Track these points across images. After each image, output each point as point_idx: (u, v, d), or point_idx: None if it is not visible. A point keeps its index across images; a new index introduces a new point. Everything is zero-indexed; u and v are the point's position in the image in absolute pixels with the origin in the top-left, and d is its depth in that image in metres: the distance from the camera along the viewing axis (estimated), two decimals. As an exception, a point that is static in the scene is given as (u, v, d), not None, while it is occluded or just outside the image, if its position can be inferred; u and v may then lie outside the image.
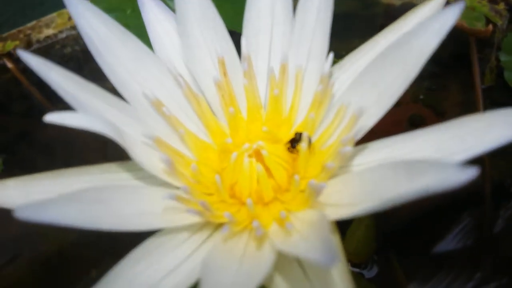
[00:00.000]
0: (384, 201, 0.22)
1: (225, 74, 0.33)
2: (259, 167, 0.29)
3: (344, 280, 0.24)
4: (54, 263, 0.48)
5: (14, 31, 0.81)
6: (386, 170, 0.23)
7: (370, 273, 0.46)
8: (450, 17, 0.24)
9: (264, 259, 0.24)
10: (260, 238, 0.27)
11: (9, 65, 0.73)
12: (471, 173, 0.18)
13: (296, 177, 0.28)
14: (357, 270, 0.45)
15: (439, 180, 0.19)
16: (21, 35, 0.81)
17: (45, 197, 0.24)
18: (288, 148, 0.31)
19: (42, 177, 0.29)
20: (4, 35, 0.79)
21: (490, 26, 0.62)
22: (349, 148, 0.27)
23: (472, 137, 0.24)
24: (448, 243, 0.47)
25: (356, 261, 0.45)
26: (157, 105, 0.31)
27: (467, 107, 0.64)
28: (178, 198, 0.27)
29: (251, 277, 0.23)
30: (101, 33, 0.31)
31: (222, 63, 0.33)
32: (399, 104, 0.69)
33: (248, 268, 0.24)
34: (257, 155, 0.30)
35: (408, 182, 0.21)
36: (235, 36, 0.36)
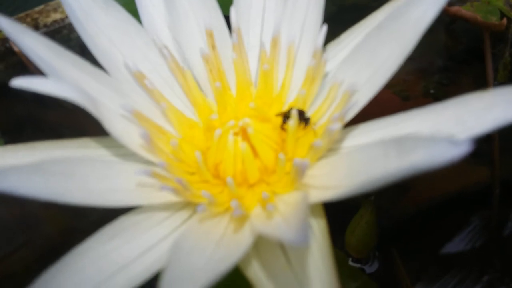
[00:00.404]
0: (371, 180, 0.20)
1: (213, 47, 0.31)
2: (243, 145, 0.27)
3: (327, 267, 0.22)
4: (61, 251, 0.48)
5: (22, 14, 0.81)
6: (376, 149, 0.22)
7: (371, 268, 0.45)
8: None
9: (241, 242, 0.22)
10: (240, 220, 0.25)
11: (16, 48, 0.72)
12: (463, 148, 0.16)
13: (281, 156, 0.26)
14: (358, 265, 0.44)
15: (430, 156, 0.17)
16: (29, 19, 0.80)
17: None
18: (281, 126, 0.29)
19: (16, 149, 0.27)
20: (12, 18, 0.79)
21: (505, 20, 0.60)
22: (337, 125, 0.25)
23: (472, 117, 0.22)
24: (454, 244, 0.46)
25: (357, 256, 0.44)
26: (139, 77, 0.30)
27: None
28: (153, 174, 0.25)
29: (224, 260, 0.21)
30: (82, 2, 0.30)
31: (210, 35, 0.31)
32: (409, 98, 0.67)
33: (223, 251, 0.22)
34: (244, 133, 0.28)
35: (398, 160, 0.20)
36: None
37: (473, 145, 0.16)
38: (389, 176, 0.19)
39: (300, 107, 0.29)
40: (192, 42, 0.32)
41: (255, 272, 0.23)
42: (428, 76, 0.69)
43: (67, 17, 0.77)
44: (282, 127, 0.29)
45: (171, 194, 0.25)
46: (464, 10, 0.66)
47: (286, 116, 0.28)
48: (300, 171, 0.24)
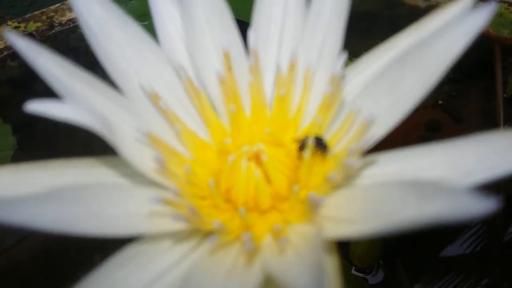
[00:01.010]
0: (390, 223, 0.19)
1: (229, 68, 0.31)
2: (257, 172, 0.27)
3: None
4: (67, 243, 0.48)
5: (37, 12, 0.82)
6: (393, 189, 0.21)
7: (375, 278, 0.46)
8: (481, 18, 0.22)
9: (251, 277, 0.22)
10: (251, 252, 0.24)
11: None
12: (489, 204, 0.16)
13: (295, 187, 0.26)
14: (361, 274, 0.45)
15: (452, 208, 0.17)
16: (44, 17, 0.81)
17: (30, 189, 0.24)
18: (297, 156, 0.28)
19: (28, 168, 0.27)
20: (27, 16, 0.80)
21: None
22: (354, 161, 0.24)
23: (494, 156, 0.22)
24: (456, 249, 0.46)
25: (361, 266, 0.45)
26: (155, 99, 0.29)
27: (486, 116, 0.63)
28: (165, 201, 0.25)
29: None
30: (98, 16, 0.29)
31: (227, 57, 0.31)
32: (417, 108, 0.67)
33: (233, 284, 0.22)
34: (258, 159, 0.28)
35: (417, 205, 0.19)
36: (242, 25, 0.34)
37: (500, 203, 0.16)
38: (409, 221, 0.19)
39: (316, 133, 0.28)
40: (208, 62, 0.32)
41: None
42: (437, 87, 0.69)
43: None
44: (298, 157, 0.28)
45: (181, 222, 0.25)
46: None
47: (302, 144, 0.28)
48: (314, 206, 0.24)
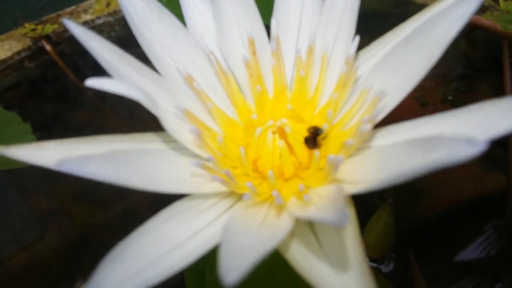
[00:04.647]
0: (397, 175, 0.23)
1: (254, 53, 0.34)
2: (281, 143, 0.31)
3: (356, 250, 0.25)
4: (78, 245, 0.50)
5: (53, 15, 0.84)
6: (402, 147, 0.25)
7: (387, 268, 0.47)
8: (472, 4, 0.25)
9: (282, 226, 0.26)
10: (279, 208, 0.28)
11: (47, 47, 0.76)
12: (480, 147, 0.19)
13: (317, 152, 0.29)
14: (374, 265, 0.47)
15: (451, 154, 0.20)
16: (60, 19, 0.83)
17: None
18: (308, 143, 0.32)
19: (79, 141, 0.30)
20: (44, 18, 0.83)
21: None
22: (368, 126, 0.28)
23: (488, 122, 0.25)
24: (469, 251, 0.48)
25: (374, 256, 0.47)
26: (189, 80, 0.33)
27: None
28: (204, 167, 0.28)
29: (269, 241, 0.24)
30: (138, 8, 0.33)
31: (252, 43, 0.34)
32: (427, 104, 0.68)
33: (266, 233, 0.26)
34: (281, 132, 0.32)
35: (423, 156, 0.23)
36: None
37: (488, 145, 0.19)
38: (414, 171, 0.22)
39: (332, 109, 0.32)
40: (235, 48, 0.36)
41: (291, 252, 0.27)
42: (447, 83, 0.71)
43: (97, 18, 0.80)
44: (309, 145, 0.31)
45: (220, 184, 0.28)
46: (483, 19, 0.68)
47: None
48: (334, 166, 0.27)
